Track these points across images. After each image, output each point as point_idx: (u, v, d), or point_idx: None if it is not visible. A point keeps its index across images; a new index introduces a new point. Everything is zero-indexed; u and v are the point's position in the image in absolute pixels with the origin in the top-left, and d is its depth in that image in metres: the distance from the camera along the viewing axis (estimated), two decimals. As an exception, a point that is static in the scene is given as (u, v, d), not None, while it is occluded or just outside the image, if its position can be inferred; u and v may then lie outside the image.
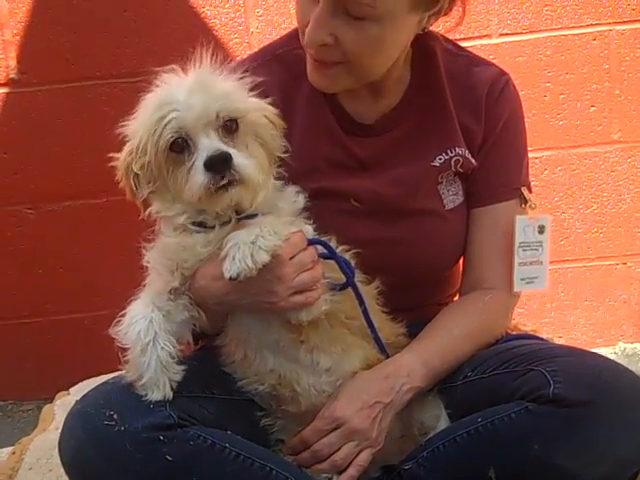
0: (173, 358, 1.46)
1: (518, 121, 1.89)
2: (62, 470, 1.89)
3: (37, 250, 3.23)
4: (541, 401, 1.49)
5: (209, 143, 1.43)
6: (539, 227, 1.83)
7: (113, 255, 3.16)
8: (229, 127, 1.46)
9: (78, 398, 1.51)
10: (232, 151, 1.43)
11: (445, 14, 1.70)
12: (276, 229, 1.45)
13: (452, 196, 1.84)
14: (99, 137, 3.08)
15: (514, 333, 1.93)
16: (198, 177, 1.42)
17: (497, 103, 1.83)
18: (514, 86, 1.88)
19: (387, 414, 1.63)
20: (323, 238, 1.59)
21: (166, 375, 1.45)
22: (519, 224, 1.82)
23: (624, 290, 3.33)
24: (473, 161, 1.81)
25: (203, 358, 1.67)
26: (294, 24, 1.75)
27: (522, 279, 1.82)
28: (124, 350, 1.46)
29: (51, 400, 2.48)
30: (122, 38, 3.07)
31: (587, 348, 1.82)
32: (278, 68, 1.81)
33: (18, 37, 3.06)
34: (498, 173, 1.84)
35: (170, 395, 1.44)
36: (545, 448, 1.48)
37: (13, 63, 3.08)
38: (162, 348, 1.44)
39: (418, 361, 1.66)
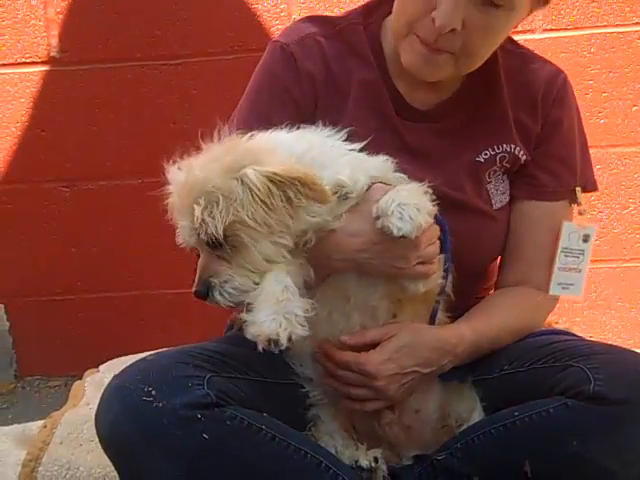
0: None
1: (575, 120, 1.88)
2: (92, 445, 1.94)
3: (71, 229, 3.26)
4: (581, 397, 1.47)
5: (199, 264, 1.50)
6: (584, 236, 1.82)
7: (145, 237, 3.20)
8: (214, 243, 1.45)
9: (108, 376, 1.53)
10: (214, 280, 1.46)
11: None
12: (421, 196, 1.49)
13: (500, 195, 1.83)
14: (136, 119, 3.18)
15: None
16: None
17: (555, 101, 1.82)
18: (571, 84, 1.87)
19: (419, 382, 1.63)
20: None
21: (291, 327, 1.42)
22: (566, 229, 1.81)
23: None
24: (523, 158, 1.80)
25: (239, 339, 1.65)
26: (337, 12, 1.75)
27: (559, 283, 1.83)
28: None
29: (79, 377, 2.49)
30: (162, 20, 3.08)
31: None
32: (337, 45, 1.79)
33: (61, 15, 3.08)
34: (555, 171, 1.83)
35: (285, 344, 1.40)
36: (583, 445, 1.46)
37: (55, 41, 3.10)
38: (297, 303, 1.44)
39: (471, 340, 1.67)
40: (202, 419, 1.41)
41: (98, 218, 3.24)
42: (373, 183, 1.54)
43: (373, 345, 1.59)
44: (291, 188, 1.43)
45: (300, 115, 1.71)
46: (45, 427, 2.06)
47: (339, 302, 1.59)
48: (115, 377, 1.51)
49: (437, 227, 1.58)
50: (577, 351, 1.59)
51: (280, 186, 1.43)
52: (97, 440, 1.51)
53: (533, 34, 3.00)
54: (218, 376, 1.50)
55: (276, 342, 1.38)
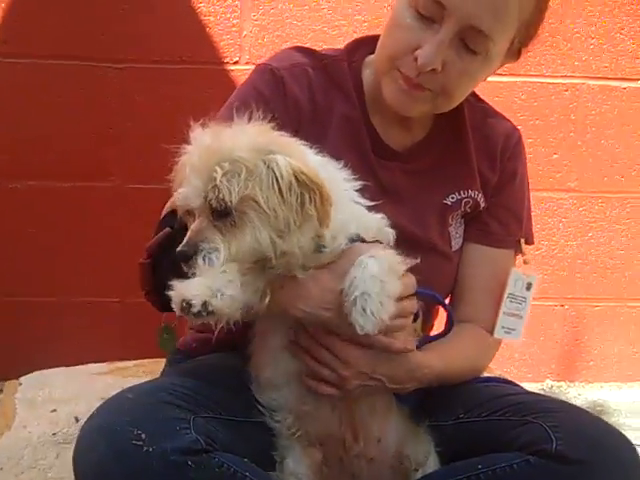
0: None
1: (525, 175, 1.98)
2: (34, 472, 1.88)
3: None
4: (542, 455, 1.52)
5: (192, 228, 1.46)
6: (527, 284, 1.89)
7: (73, 242, 3.13)
8: (220, 211, 1.43)
9: (34, 391, 1.46)
10: (203, 245, 1.42)
11: None
12: (393, 266, 1.49)
13: (458, 238, 1.90)
14: (72, 119, 3.05)
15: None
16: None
17: (512, 156, 1.92)
18: (523, 142, 1.98)
19: (379, 391, 1.65)
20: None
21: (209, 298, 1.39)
22: (512, 276, 1.88)
23: (559, 331, 3.49)
24: (482, 205, 1.88)
25: (198, 373, 1.67)
26: (287, 32, 1.79)
27: (503, 327, 1.89)
28: None
29: (-1, 389, 2.42)
30: (111, 21, 2.99)
31: (517, 382, 1.95)
32: (322, 78, 1.83)
33: (3, 4, 2.95)
34: (504, 221, 1.92)
35: (197, 310, 1.37)
36: None
37: (-5, 31, 2.96)
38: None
39: (438, 371, 1.69)
40: (192, 466, 1.39)
41: (23, 219, 3.11)
42: (357, 240, 1.56)
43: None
44: (309, 192, 1.43)
45: None
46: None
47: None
48: (97, 415, 1.46)
49: (413, 280, 1.60)
50: (534, 406, 1.64)
51: (301, 185, 1.42)
52: (40, 467, 1.46)
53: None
54: (199, 417, 1.48)
55: (189, 306, 1.36)
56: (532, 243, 2.01)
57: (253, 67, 1.84)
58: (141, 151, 3.06)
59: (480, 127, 1.91)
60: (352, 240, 1.55)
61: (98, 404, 1.49)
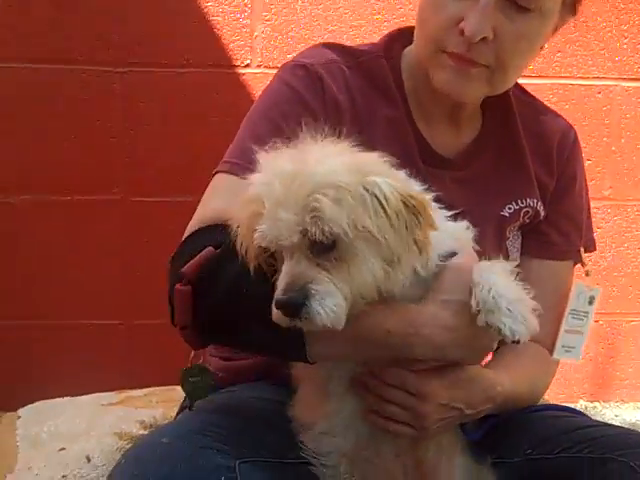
0: None
1: (584, 178, 1.83)
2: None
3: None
4: None
5: (287, 270, 1.22)
6: (590, 297, 1.74)
7: (69, 259, 2.94)
8: (322, 246, 1.21)
9: (36, 426, 1.26)
10: (314, 287, 1.19)
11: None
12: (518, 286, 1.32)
13: (516, 252, 1.74)
14: (70, 128, 2.85)
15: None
16: (273, 307, 1.23)
17: (569, 159, 1.77)
18: (580, 141, 1.83)
19: (453, 424, 1.47)
20: None
21: None
22: (575, 289, 1.71)
23: (593, 348, 3.31)
24: (542, 214, 1.73)
25: (242, 409, 1.49)
26: (301, 32, 1.62)
27: (563, 346, 1.72)
28: None
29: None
30: (110, 22, 2.82)
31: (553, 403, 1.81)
32: (360, 78, 1.66)
33: (-2, 4, 2.77)
34: (565, 231, 1.77)
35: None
36: None
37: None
38: None
39: (508, 392, 1.52)
40: None
41: (18, 236, 2.91)
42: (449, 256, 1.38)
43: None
44: (417, 217, 1.24)
45: None
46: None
47: None
48: (129, 463, 1.25)
49: None
50: (616, 441, 1.47)
51: (409, 210, 1.23)
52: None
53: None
54: (244, 462, 1.29)
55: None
56: (594, 250, 1.85)
57: (265, 71, 1.64)
58: (146, 161, 2.87)
59: (532, 126, 1.75)
60: (445, 257, 1.37)
61: (110, 440, 1.32)
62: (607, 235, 3.21)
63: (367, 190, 1.22)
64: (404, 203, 1.23)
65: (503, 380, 1.52)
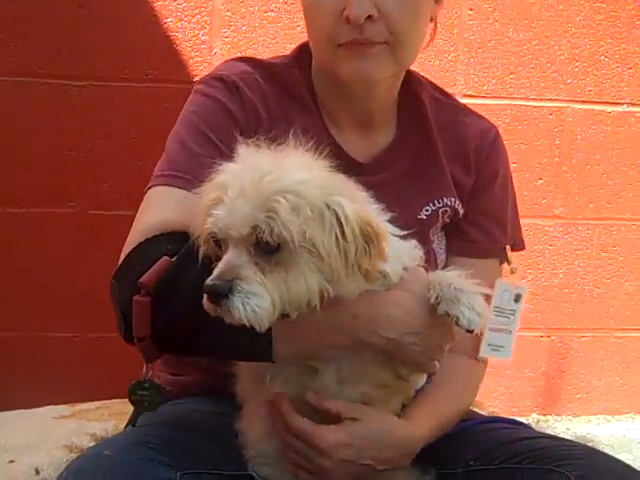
0: None
1: (508, 177, 1.82)
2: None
3: None
4: None
5: (225, 259, 1.24)
6: (516, 295, 1.71)
7: (31, 271, 2.92)
8: (266, 247, 1.23)
9: None
10: (241, 285, 1.21)
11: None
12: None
13: (443, 254, 1.75)
14: (27, 141, 2.84)
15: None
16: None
17: (489, 157, 1.76)
18: (502, 140, 1.82)
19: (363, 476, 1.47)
20: None
21: None
22: (498, 287, 1.69)
23: (545, 362, 3.36)
24: (461, 212, 1.73)
25: (185, 422, 1.50)
26: (259, 50, 1.66)
27: (489, 345, 1.70)
28: None
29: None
30: (72, 36, 2.82)
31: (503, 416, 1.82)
32: (275, 88, 1.67)
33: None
34: (486, 228, 1.76)
35: None
36: None
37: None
38: None
39: (428, 436, 1.54)
40: None
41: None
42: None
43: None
44: (369, 245, 1.26)
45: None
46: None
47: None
48: (72, 476, 1.25)
49: None
50: (555, 452, 1.50)
51: (365, 237, 1.26)
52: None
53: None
54: (185, 474, 1.30)
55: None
56: (523, 248, 1.86)
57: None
58: (103, 175, 2.88)
59: (449, 127, 1.75)
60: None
61: (61, 453, 1.32)
62: (558, 253, 3.26)
63: (328, 207, 1.24)
64: (361, 229, 1.25)
65: (423, 429, 1.53)
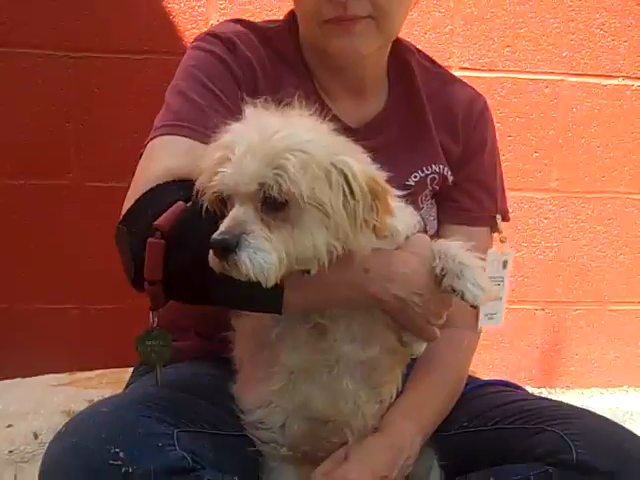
0: None
1: (495, 146, 1.85)
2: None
3: None
4: (562, 466, 1.41)
5: (232, 215, 1.25)
6: (503, 262, 1.76)
7: (23, 243, 2.93)
8: (273, 203, 1.25)
9: None
10: (249, 239, 1.22)
11: None
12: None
13: (433, 221, 1.77)
14: (24, 113, 2.85)
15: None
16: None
17: (477, 126, 1.79)
18: (490, 110, 1.84)
19: None
20: None
21: None
22: (489, 256, 1.73)
23: (540, 335, 3.38)
24: (451, 179, 1.75)
25: (185, 384, 1.51)
26: (256, 21, 1.69)
27: (486, 314, 1.74)
28: None
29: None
30: (68, 8, 2.80)
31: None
32: (269, 50, 1.68)
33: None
34: (476, 196, 1.79)
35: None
36: None
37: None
38: None
39: (416, 430, 1.56)
40: None
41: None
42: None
43: None
44: (376, 202, 1.29)
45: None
46: None
47: (323, 356, 1.43)
48: (67, 432, 1.27)
49: None
50: (548, 413, 1.53)
51: (373, 196, 1.28)
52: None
53: (449, 69, 2.99)
54: (182, 431, 1.32)
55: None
56: (508, 220, 1.87)
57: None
58: (101, 147, 2.88)
59: (438, 95, 1.77)
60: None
61: (59, 418, 1.33)
62: (553, 226, 3.27)
63: (335, 167, 1.26)
64: (368, 186, 1.27)
65: (408, 435, 1.54)
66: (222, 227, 1.24)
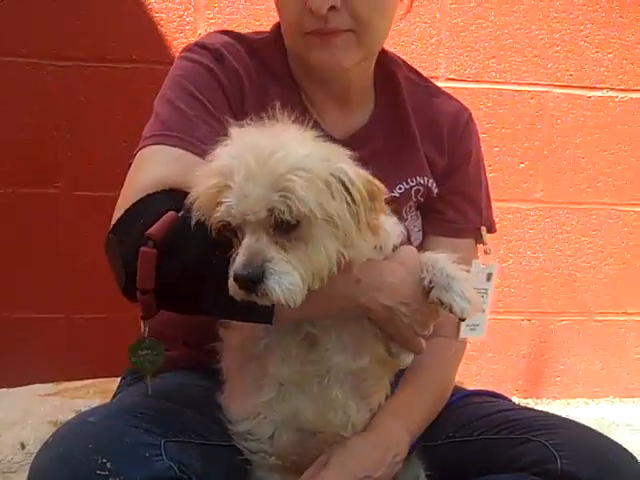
0: None
1: (480, 158, 1.86)
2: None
3: None
4: (547, 475, 1.42)
5: (247, 245, 1.26)
6: (487, 274, 1.78)
7: (14, 250, 2.92)
8: (286, 226, 1.25)
9: None
10: (272, 267, 1.23)
11: None
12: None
13: (417, 232, 1.78)
14: (11, 122, 2.83)
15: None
16: (230, 280, 1.26)
17: (462, 138, 1.80)
18: (475, 122, 1.86)
19: None
20: None
21: None
22: (473, 268, 1.74)
23: (525, 346, 3.39)
24: (435, 191, 1.76)
25: (172, 394, 1.50)
26: (243, 31, 1.71)
27: (467, 325, 1.75)
28: None
29: None
30: (56, 16, 2.80)
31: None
32: (255, 61, 1.69)
33: None
34: (461, 208, 1.80)
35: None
36: None
37: None
38: None
39: (404, 429, 1.57)
40: None
41: None
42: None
43: None
44: (374, 203, 1.31)
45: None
46: None
47: (314, 367, 1.44)
48: (54, 442, 1.27)
49: None
50: (532, 423, 1.54)
51: (371, 197, 1.30)
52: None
53: (436, 80, 3.01)
54: (170, 441, 1.31)
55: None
56: (494, 231, 1.88)
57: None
58: (89, 156, 2.88)
59: (424, 107, 1.78)
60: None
61: (46, 428, 1.33)
62: (539, 237, 3.29)
63: (334, 176, 1.27)
64: (366, 189, 1.29)
65: (397, 435, 1.55)
66: (240, 261, 1.24)
